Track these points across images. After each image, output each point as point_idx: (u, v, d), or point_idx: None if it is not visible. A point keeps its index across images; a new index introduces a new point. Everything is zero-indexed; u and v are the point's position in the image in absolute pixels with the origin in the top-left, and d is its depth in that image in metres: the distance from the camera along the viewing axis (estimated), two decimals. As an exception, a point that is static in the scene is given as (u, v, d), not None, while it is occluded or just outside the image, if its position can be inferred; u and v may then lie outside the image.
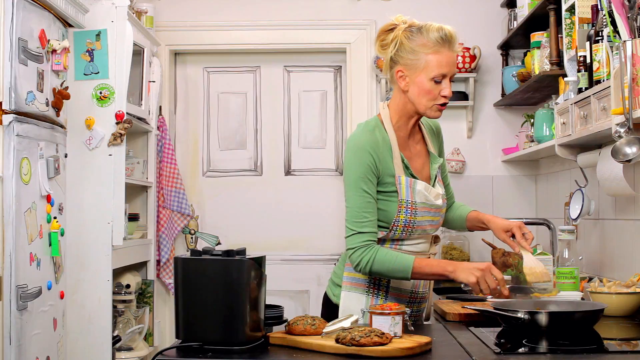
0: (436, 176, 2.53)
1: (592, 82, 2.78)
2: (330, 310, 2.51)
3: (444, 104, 2.41)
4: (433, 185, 2.50)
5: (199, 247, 2.63)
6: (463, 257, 4.37)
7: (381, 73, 4.43)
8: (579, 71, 2.92)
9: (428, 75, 2.36)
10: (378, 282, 2.46)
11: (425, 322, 2.59)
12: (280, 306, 2.24)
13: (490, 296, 2.79)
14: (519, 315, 2.15)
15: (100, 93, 3.62)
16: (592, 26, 2.84)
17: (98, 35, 3.62)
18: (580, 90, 2.92)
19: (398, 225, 2.41)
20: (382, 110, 2.50)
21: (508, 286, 2.86)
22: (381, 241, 2.44)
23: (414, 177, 2.45)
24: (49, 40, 3.00)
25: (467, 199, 4.57)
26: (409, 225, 2.41)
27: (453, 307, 2.62)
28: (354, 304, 2.45)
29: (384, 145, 2.41)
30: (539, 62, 3.70)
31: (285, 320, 2.19)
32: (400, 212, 2.39)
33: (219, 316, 1.99)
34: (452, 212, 2.71)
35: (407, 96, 2.42)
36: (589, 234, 3.54)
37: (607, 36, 2.64)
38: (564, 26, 3.22)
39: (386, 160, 2.40)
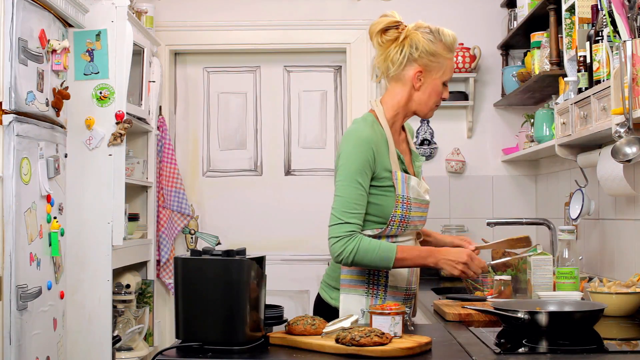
0: (420, 173, 2.61)
1: (592, 82, 2.78)
2: (327, 313, 2.49)
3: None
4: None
5: (199, 247, 2.63)
6: (463, 257, 4.36)
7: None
8: (579, 71, 2.92)
9: (443, 78, 2.49)
10: (377, 282, 2.47)
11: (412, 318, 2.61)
12: (280, 306, 2.24)
13: (489, 296, 2.79)
14: (519, 315, 2.15)
15: (100, 93, 3.62)
16: (592, 26, 2.84)
17: (98, 35, 3.62)
18: (580, 90, 2.92)
19: (395, 221, 2.43)
20: (376, 107, 2.52)
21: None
22: (377, 238, 2.44)
23: (407, 172, 2.49)
24: (49, 40, 3.00)
25: (467, 199, 4.58)
26: (404, 221, 2.44)
27: (453, 307, 2.62)
28: (354, 305, 2.45)
29: (382, 141, 2.44)
30: (539, 62, 3.70)
31: (285, 320, 2.19)
32: (397, 207, 2.42)
33: (219, 316, 1.99)
34: None
35: (416, 95, 2.49)
36: (589, 234, 3.54)
37: (607, 36, 2.64)
38: (564, 26, 3.22)
39: (383, 156, 2.43)
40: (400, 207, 2.42)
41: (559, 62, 3.48)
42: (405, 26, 2.48)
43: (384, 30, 2.48)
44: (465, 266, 2.37)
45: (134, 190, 4.19)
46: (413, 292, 2.56)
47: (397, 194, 2.42)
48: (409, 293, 2.53)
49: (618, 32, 2.53)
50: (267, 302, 2.13)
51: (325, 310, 2.50)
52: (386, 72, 2.51)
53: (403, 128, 2.61)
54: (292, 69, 4.80)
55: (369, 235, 2.43)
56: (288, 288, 4.65)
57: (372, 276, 2.46)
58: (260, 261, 2.06)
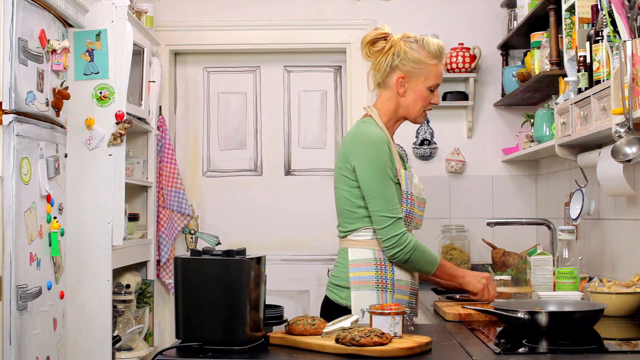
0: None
1: (592, 82, 2.78)
2: (338, 314, 2.50)
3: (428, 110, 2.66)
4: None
5: (199, 247, 2.63)
6: (463, 257, 4.37)
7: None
8: (579, 71, 2.92)
9: (427, 84, 2.58)
10: (385, 276, 2.52)
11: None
12: (280, 306, 2.24)
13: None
14: (519, 315, 2.15)
15: (100, 93, 3.62)
16: (592, 26, 2.84)
17: (98, 35, 3.62)
18: (580, 90, 2.92)
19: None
20: (372, 111, 2.64)
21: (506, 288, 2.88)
22: None
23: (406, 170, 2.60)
24: (49, 40, 3.00)
25: (467, 199, 4.58)
26: (409, 216, 2.54)
27: (453, 307, 2.62)
28: (365, 301, 2.50)
29: (388, 141, 2.55)
30: (539, 62, 3.70)
31: (285, 320, 2.19)
32: (403, 202, 2.52)
33: (219, 316, 1.99)
34: None
35: (402, 101, 2.60)
36: (589, 234, 3.54)
37: (607, 36, 2.64)
38: (564, 26, 3.22)
39: (392, 154, 2.54)
40: (406, 203, 2.52)
41: (559, 62, 3.48)
42: (392, 37, 2.61)
43: (372, 42, 2.61)
44: (487, 281, 2.56)
45: (134, 190, 4.19)
46: (416, 288, 2.63)
47: (403, 190, 2.52)
48: (414, 288, 2.60)
49: (618, 32, 2.53)
50: (267, 302, 2.13)
51: (336, 311, 2.52)
52: (375, 81, 2.65)
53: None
54: (292, 69, 4.80)
55: (370, 229, 2.54)
56: (288, 288, 4.65)
57: (380, 271, 2.52)
58: (260, 261, 2.06)
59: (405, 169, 2.59)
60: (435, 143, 4.60)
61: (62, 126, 3.21)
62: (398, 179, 2.52)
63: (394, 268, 2.52)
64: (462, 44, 4.49)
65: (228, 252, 2.02)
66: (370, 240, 2.53)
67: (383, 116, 2.62)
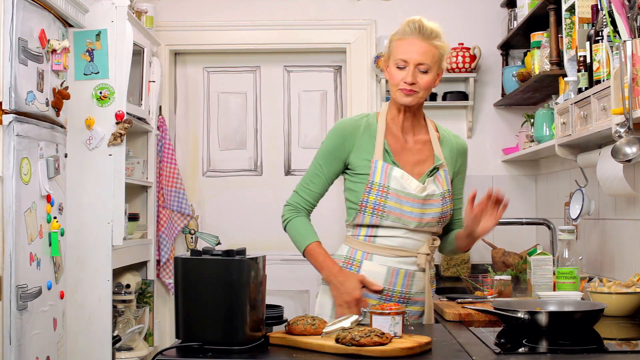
0: (432, 173, 2.53)
1: (592, 82, 2.78)
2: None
3: (408, 90, 2.47)
4: (423, 182, 2.50)
5: (199, 247, 2.63)
6: (463, 257, 4.37)
7: (381, 73, 4.44)
8: (579, 71, 2.92)
9: (393, 62, 2.51)
10: None
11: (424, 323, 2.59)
12: (280, 306, 2.24)
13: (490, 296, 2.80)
14: (519, 315, 2.15)
15: (100, 93, 3.62)
16: (592, 26, 2.84)
17: (98, 35, 3.62)
18: (580, 90, 2.92)
19: (367, 207, 2.45)
20: (384, 106, 2.62)
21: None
22: (358, 227, 2.51)
23: (394, 164, 2.48)
24: (49, 40, 3.00)
25: (467, 199, 4.57)
26: (379, 208, 2.44)
27: (453, 307, 2.62)
28: (326, 299, 2.53)
29: (366, 131, 2.51)
30: (539, 62, 3.70)
31: (285, 320, 2.19)
32: (370, 193, 2.44)
33: (219, 316, 1.99)
34: (449, 235, 2.69)
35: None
36: (589, 234, 3.54)
37: (607, 36, 2.64)
38: (564, 26, 3.22)
39: (364, 145, 2.49)
40: (375, 194, 2.44)
41: (559, 62, 3.48)
42: None
43: None
44: (347, 305, 2.43)
45: (134, 190, 4.19)
46: (398, 294, 2.50)
47: (371, 181, 2.45)
48: (390, 295, 2.49)
49: (618, 32, 2.53)
50: (267, 302, 2.13)
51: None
52: None
53: (428, 132, 2.60)
54: (292, 69, 4.80)
55: (348, 222, 2.54)
56: (288, 288, 4.65)
57: (346, 269, 2.51)
58: (260, 261, 2.06)
59: (394, 162, 2.47)
60: (435, 143, 4.59)
61: (62, 126, 3.21)
62: (370, 170, 2.45)
63: (361, 269, 2.48)
64: (462, 44, 4.49)
65: (228, 252, 2.02)
66: (350, 236, 2.55)
67: (390, 108, 2.57)
